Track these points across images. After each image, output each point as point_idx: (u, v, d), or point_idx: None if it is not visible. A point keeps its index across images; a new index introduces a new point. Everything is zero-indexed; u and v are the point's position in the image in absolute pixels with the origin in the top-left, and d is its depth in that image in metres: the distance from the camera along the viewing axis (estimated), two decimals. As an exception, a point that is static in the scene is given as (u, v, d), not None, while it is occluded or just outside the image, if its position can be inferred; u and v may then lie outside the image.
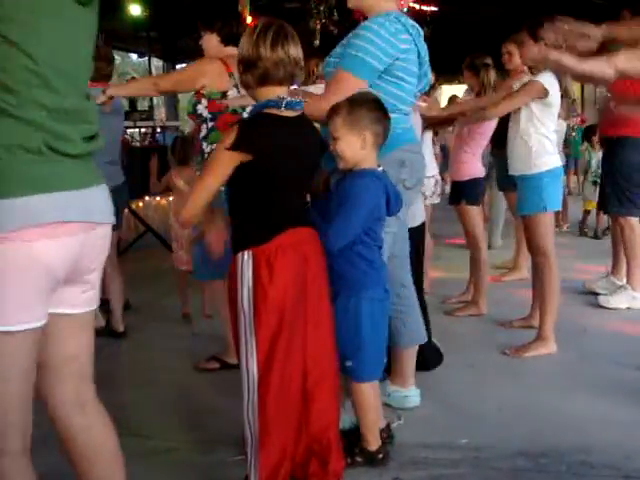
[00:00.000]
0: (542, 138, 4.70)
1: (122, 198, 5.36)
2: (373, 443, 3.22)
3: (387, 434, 3.37)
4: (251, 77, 2.76)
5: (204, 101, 4.25)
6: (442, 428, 3.61)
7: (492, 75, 5.79)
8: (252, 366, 2.73)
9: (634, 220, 5.77)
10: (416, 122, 4.40)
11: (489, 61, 5.85)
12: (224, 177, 2.71)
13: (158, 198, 10.09)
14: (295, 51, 2.74)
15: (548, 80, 4.65)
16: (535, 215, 4.71)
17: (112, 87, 4.72)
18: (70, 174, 2.02)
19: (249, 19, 9.34)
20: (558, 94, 4.71)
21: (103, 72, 5.11)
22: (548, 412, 3.77)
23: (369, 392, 3.19)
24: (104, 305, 5.41)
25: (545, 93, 4.65)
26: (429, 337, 4.24)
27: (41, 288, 2.00)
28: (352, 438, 3.22)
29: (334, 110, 3.04)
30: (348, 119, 2.99)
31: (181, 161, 5.64)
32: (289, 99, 2.74)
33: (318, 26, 10.91)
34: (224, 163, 2.70)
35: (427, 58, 3.59)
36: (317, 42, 10.86)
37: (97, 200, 2.13)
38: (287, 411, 2.76)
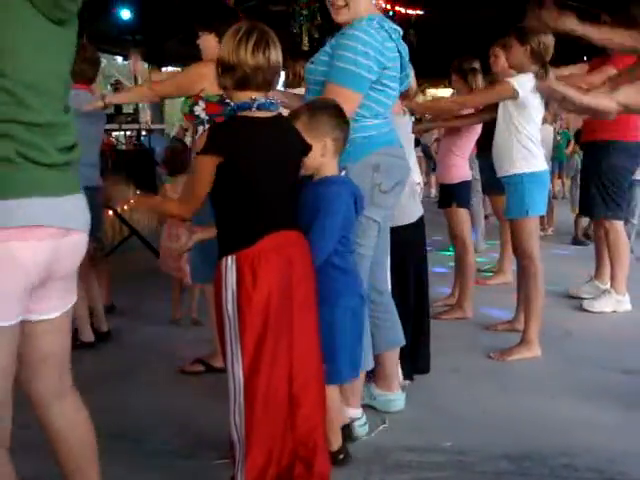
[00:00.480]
0: (523, 139, 4.69)
1: (96, 201, 5.31)
2: (334, 443, 3.23)
3: (348, 432, 3.41)
4: (229, 80, 2.75)
5: (202, 103, 4.25)
6: (427, 431, 3.61)
7: (480, 79, 5.80)
8: (238, 370, 2.72)
9: (619, 224, 5.81)
10: (404, 127, 4.40)
11: (477, 65, 5.86)
12: (209, 182, 2.71)
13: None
14: (276, 57, 2.73)
15: (521, 82, 4.65)
16: (519, 219, 4.72)
17: (111, 95, 4.73)
18: (46, 181, 2.10)
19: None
20: (533, 95, 4.67)
21: (88, 74, 5.09)
22: (532, 415, 3.78)
23: (336, 394, 3.21)
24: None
25: (515, 94, 4.65)
26: (427, 344, 4.26)
27: (16, 287, 2.07)
28: None
29: (294, 115, 3.03)
30: (308, 125, 2.98)
31: (173, 172, 5.63)
32: (262, 100, 2.72)
33: (300, 30, 10.92)
34: (203, 169, 2.71)
35: (407, 58, 3.58)
36: (306, 46, 10.86)
37: (72, 207, 2.21)
38: (273, 415, 2.75)
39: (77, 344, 4.97)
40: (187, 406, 3.96)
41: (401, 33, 3.54)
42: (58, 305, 2.30)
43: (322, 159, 3.01)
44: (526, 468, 3.23)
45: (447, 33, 13.57)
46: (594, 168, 5.80)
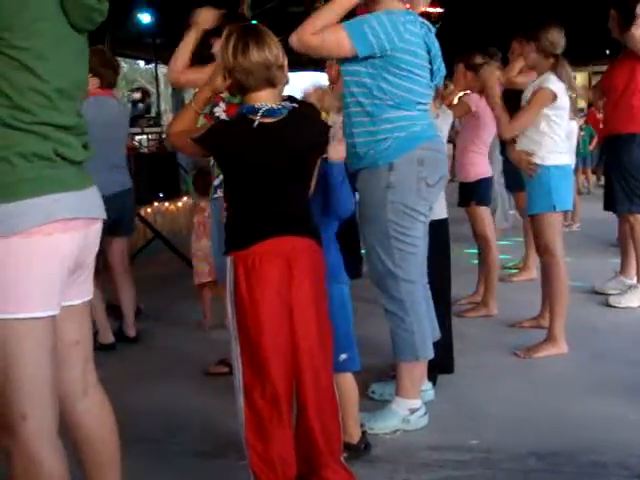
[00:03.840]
0: (551, 133, 4.67)
1: (130, 202, 5.40)
2: (356, 436, 3.25)
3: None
4: (233, 88, 2.78)
5: (222, 105, 4.24)
6: (452, 429, 3.59)
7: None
8: (238, 372, 2.75)
9: None
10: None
11: (485, 59, 5.80)
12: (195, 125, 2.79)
13: (167, 204, 10.11)
14: (260, 55, 2.67)
15: (555, 84, 4.63)
16: (543, 214, 4.68)
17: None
18: (78, 177, 2.25)
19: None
20: (566, 97, 4.67)
21: (110, 79, 5.12)
22: (559, 412, 3.75)
23: (353, 384, 3.24)
24: (115, 312, 5.44)
25: (554, 98, 4.63)
26: (450, 343, 4.27)
27: (60, 278, 2.19)
28: None
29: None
30: None
31: (201, 193, 5.66)
32: (268, 107, 2.69)
33: None
34: (195, 147, 2.76)
35: (439, 54, 3.59)
36: None
37: (95, 198, 2.35)
38: (278, 417, 2.74)
39: (96, 346, 4.99)
40: (212, 407, 3.96)
41: (431, 28, 3.57)
42: (83, 292, 2.40)
43: None
44: (554, 465, 3.20)
45: (467, 31, 13.52)
46: (616, 162, 5.74)
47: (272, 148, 2.71)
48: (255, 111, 2.70)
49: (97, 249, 2.41)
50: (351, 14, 3.54)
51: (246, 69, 2.68)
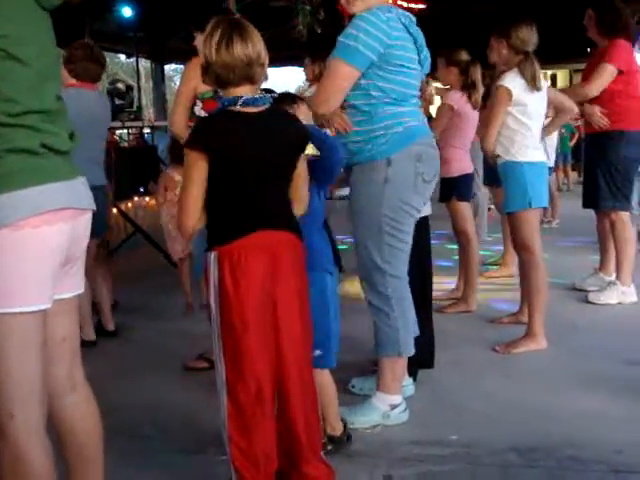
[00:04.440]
0: (522, 130, 4.70)
1: (101, 200, 5.32)
2: (336, 427, 3.29)
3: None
4: (209, 80, 2.75)
5: (199, 103, 4.23)
6: (432, 425, 3.61)
7: (479, 71, 5.78)
8: (221, 368, 2.74)
9: (625, 214, 5.78)
10: None
11: (468, 57, 5.83)
12: (200, 179, 2.67)
13: (147, 199, 10.07)
14: (244, 51, 2.64)
15: (511, 82, 4.68)
16: (520, 212, 4.71)
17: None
18: (64, 167, 2.22)
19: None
20: (528, 93, 4.69)
21: (93, 74, 5.08)
22: (538, 408, 3.77)
23: (329, 378, 3.25)
24: (93, 306, 5.41)
25: (509, 94, 4.67)
26: (431, 338, 4.27)
27: (51, 271, 2.17)
28: None
29: (295, 102, 3.21)
30: (308, 112, 3.12)
31: (177, 159, 5.64)
32: (248, 96, 2.68)
33: (302, 26, 10.89)
34: (191, 165, 2.67)
35: (424, 42, 3.61)
36: (304, 39, 10.82)
37: (83, 188, 2.32)
38: (261, 412, 2.75)
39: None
40: (193, 402, 3.96)
41: (412, 19, 3.58)
42: (74, 285, 2.38)
43: None
44: (533, 460, 3.22)
45: (449, 27, 13.53)
46: (603, 159, 5.75)
47: (257, 137, 2.69)
48: (235, 101, 2.68)
49: (87, 240, 2.39)
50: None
51: (228, 64, 2.65)
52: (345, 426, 3.34)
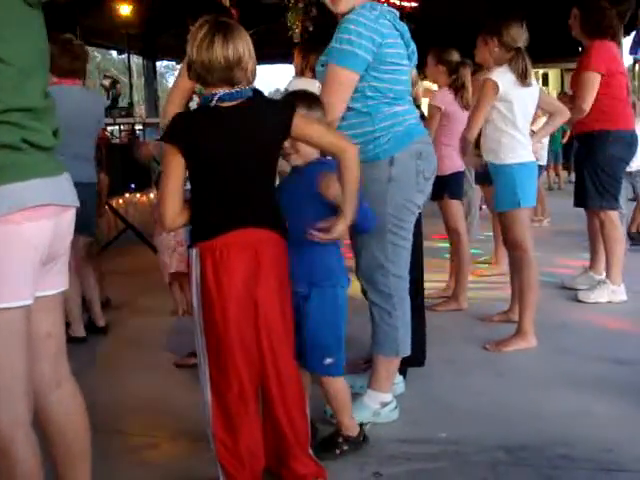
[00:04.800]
0: (510, 130, 4.71)
1: (91, 197, 5.29)
2: (353, 428, 3.28)
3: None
4: (192, 77, 2.75)
5: (195, 98, 4.22)
6: (422, 423, 3.61)
7: (469, 72, 5.80)
8: (204, 365, 2.76)
9: (614, 214, 5.80)
10: None
11: (459, 57, 5.85)
12: (177, 172, 2.68)
13: (139, 195, 10.07)
14: (223, 53, 2.62)
15: (500, 76, 4.69)
16: (510, 211, 4.73)
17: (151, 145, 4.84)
18: (47, 163, 2.21)
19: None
20: (517, 88, 4.69)
21: (78, 69, 5.07)
22: (528, 406, 3.78)
23: (343, 383, 3.24)
24: (83, 304, 5.40)
25: (496, 87, 4.67)
26: (423, 336, 4.27)
27: (33, 267, 2.16)
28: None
29: (293, 108, 3.00)
30: (307, 115, 2.99)
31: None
32: (222, 93, 2.67)
33: (297, 22, 10.88)
34: (169, 159, 2.68)
35: (410, 36, 3.61)
36: (297, 37, 10.81)
37: (68, 185, 2.30)
38: (244, 410, 2.76)
39: (68, 339, 4.95)
40: (182, 398, 3.95)
41: (397, 14, 3.58)
42: (57, 282, 2.37)
43: (315, 150, 3.05)
44: (522, 458, 3.23)
45: (441, 25, 13.53)
46: (589, 158, 5.77)
47: (231, 131, 2.69)
48: (211, 97, 2.68)
49: (71, 238, 2.38)
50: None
51: (206, 65, 2.65)
52: (361, 427, 3.34)
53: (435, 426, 3.54)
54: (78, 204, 2.36)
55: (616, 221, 5.80)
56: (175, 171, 2.68)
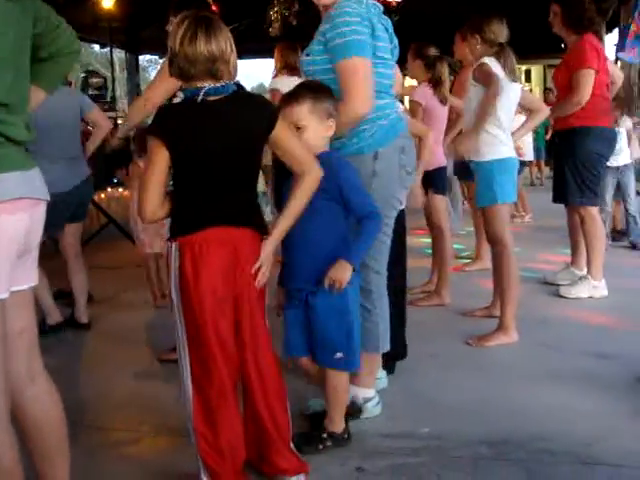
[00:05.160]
0: (490, 126, 4.71)
1: (88, 191, 5.36)
2: (339, 425, 3.27)
3: (352, 408, 3.43)
4: (174, 73, 2.74)
5: (180, 94, 4.20)
6: (404, 417, 3.62)
7: (446, 68, 5.80)
8: (184, 360, 2.76)
9: (594, 209, 5.83)
10: None
11: (437, 52, 5.86)
12: (160, 165, 2.66)
13: (121, 189, 10.04)
14: (206, 47, 2.63)
15: (491, 62, 4.71)
16: (490, 207, 4.75)
17: (120, 130, 4.79)
18: (20, 156, 2.21)
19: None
20: (503, 79, 4.70)
21: None
22: (509, 401, 3.80)
23: (346, 379, 3.26)
24: (67, 297, 5.39)
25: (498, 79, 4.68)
26: (404, 329, 4.27)
27: (10, 261, 2.16)
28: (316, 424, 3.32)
29: (296, 99, 3.03)
30: (314, 108, 3.01)
31: (143, 150, 5.65)
32: (208, 88, 2.68)
33: (276, 16, 10.87)
34: (152, 151, 2.67)
35: (393, 30, 3.60)
36: (276, 32, 10.79)
37: (39, 179, 2.31)
38: (224, 404, 2.77)
39: (46, 329, 4.95)
40: (164, 394, 3.95)
41: (381, 8, 3.57)
42: (29, 277, 2.36)
43: (324, 140, 3.06)
44: (503, 453, 3.24)
45: (427, 20, 13.55)
46: (570, 154, 5.78)
47: (217, 125, 2.69)
48: (197, 91, 2.68)
49: (42, 232, 2.37)
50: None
51: (189, 58, 2.65)
52: (347, 425, 3.33)
53: (417, 421, 3.55)
54: (49, 198, 2.36)
55: (596, 217, 5.83)
56: (159, 165, 2.67)
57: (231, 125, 2.71)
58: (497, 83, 4.60)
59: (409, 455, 3.23)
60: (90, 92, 13.53)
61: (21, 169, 2.19)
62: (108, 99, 14.29)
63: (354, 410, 3.47)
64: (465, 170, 5.51)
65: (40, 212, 2.31)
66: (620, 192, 8.10)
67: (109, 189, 9.99)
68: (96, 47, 23.82)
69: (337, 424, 3.28)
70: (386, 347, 3.61)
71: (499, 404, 3.76)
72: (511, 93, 4.78)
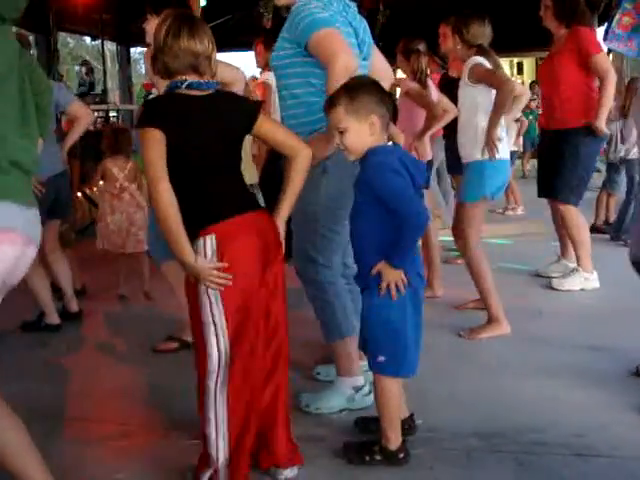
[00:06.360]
0: (481, 125, 4.71)
1: (65, 185, 5.29)
2: (394, 442, 3.09)
3: (409, 425, 3.30)
4: (157, 69, 2.79)
5: (155, 91, 4.20)
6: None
7: (423, 61, 5.77)
8: (222, 345, 2.74)
9: (573, 207, 5.83)
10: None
11: (422, 47, 5.86)
12: (161, 156, 2.63)
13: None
14: (190, 43, 2.72)
15: (487, 64, 4.73)
16: (468, 202, 4.79)
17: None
18: (22, 189, 2.14)
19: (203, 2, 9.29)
20: None
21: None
22: (502, 393, 3.81)
23: (395, 388, 3.11)
24: (56, 293, 5.37)
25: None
26: None
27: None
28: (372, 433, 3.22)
29: (332, 102, 2.92)
30: (351, 108, 2.86)
31: (113, 151, 5.72)
32: (192, 80, 2.73)
33: (265, 9, 10.83)
34: (149, 146, 2.64)
35: (362, 25, 3.62)
36: (268, 25, 10.77)
37: (35, 219, 2.24)
38: (252, 388, 2.81)
39: (43, 326, 4.96)
40: (160, 386, 3.96)
41: (349, 3, 3.59)
42: None
43: (371, 138, 2.89)
44: (496, 445, 3.26)
45: (418, 14, 13.52)
46: (573, 153, 5.71)
47: (206, 119, 2.72)
48: (180, 84, 2.73)
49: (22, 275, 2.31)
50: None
51: (174, 52, 2.72)
52: (404, 442, 3.14)
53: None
54: (38, 246, 2.30)
55: (575, 211, 5.81)
56: (157, 156, 2.63)
57: (220, 118, 2.76)
58: (510, 81, 4.62)
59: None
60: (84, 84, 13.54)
61: (22, 202, 2.14)
62: (99, 91, 14.23)
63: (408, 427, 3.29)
64: (457, 164, 5.49)
65: (31, 253, 2.24)
66: (615, 184, 8.16)
67: (100, 182, 9.93)
68: (87, 39, 23.71)
69: (391, 440, 3.08)
70: (351, 332, 3.57)
71: (492, 396, 3.77)
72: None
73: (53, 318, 5.10)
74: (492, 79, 4.67)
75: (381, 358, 3.00)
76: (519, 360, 4.30)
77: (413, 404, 3.65)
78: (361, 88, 2.90)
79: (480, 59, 4.70)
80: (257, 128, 2.86)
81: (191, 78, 2.73)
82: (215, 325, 2.72)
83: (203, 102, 2.74)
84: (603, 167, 9.12)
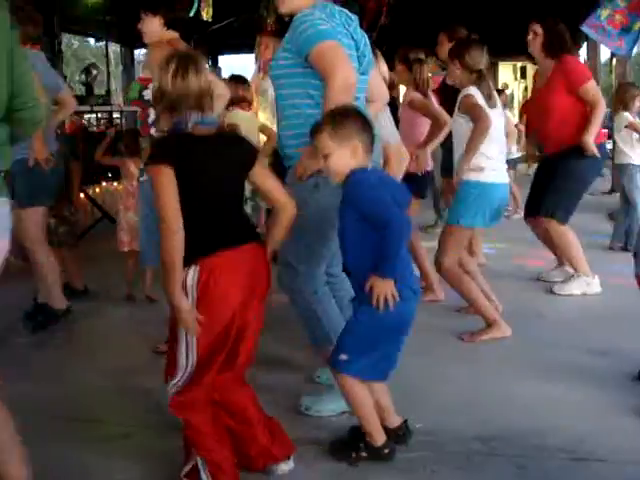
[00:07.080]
0: (481, 154, 4.71)
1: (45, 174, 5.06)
2: (377, 438, 3.13)
3: (403, 432, 3.30)
4: (163, 108, 2.85)
5: (147, 92, 4.22)
6: (397, 412, 3.61)
7: (425, 70, 5.78)
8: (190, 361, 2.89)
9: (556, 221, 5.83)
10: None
11: (422, 56, 5.86)
12: (175, 190, 2.68)
13: (115, 183, 10.02)
14: (196, 82, 2.79)
15: (474, 90, 4.75)
16: (456, 226, 4.82)
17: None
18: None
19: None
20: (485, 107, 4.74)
21: (32, 34, 5.03)
22: (503, 396, 3.81)
23: (354, 385, 3.13)
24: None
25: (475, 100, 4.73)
26: None
27: None
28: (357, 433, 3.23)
29: (317, 129, 3.01)
30: (335, 134, 2.95)
31: (132, 153, 5.74)
32: (197, 119, 2.79)
33: (266, 12, 10.82)
34: (164, 184, 2.67)
35: (364, 40, 3.63)
36: (272, 24, 10.76)
37: (4, 214, 2.23)
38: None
39: (52, 313, 5.05)
40: (161, 387, 3.93)
41: (352, 17, 3.59)
42: None
43: (353, 161, 2.98)
44: (496, 448, 3.26)
45: (420, 16, 13.52)
46: (574, 171, 5.70)
47: (216, 156, 2.78)
48: (185, 124, 2.79)
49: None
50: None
51: (182, 93, 2.77)
52: (388, 438, 3.20)
53: (410, 416, 3.54)
54: (8, 235, 2.29)
55: (563, 230, 5.83)
56: (174, 190, 2.67)
57: (226, 157, 2.82)
58: (486, 118, 4.64)
59: (402, 451, 3.22)
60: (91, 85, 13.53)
61: None
62: (103, 92, 14.22)
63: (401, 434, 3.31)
64: (448, 168, 5.49)
65: (3, 250, 2.23)
66: None
67: (103, 183, 9.96)
68: (91, 41, 23.79)
69: (374, 437, 3.13)
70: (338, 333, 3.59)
71: (493, 400, 3.77)
72: (495, 120, 4.76)
73: (59, 303, 5.08)
74: (472, 113, 4.72)
75: (343, 357, 3.06)
76: (520, 363, 4.30)
77: (413, 407, 3.65)
78: (345, 116, 3.01)
79: (473, 90, 4.72)
80: (251, 172, 2.92)
81: (195, 114, 2.79)
82: (187, 345, 2.87)
83: (207, 142, 2.79)
84: (608, 171, 9.08)
